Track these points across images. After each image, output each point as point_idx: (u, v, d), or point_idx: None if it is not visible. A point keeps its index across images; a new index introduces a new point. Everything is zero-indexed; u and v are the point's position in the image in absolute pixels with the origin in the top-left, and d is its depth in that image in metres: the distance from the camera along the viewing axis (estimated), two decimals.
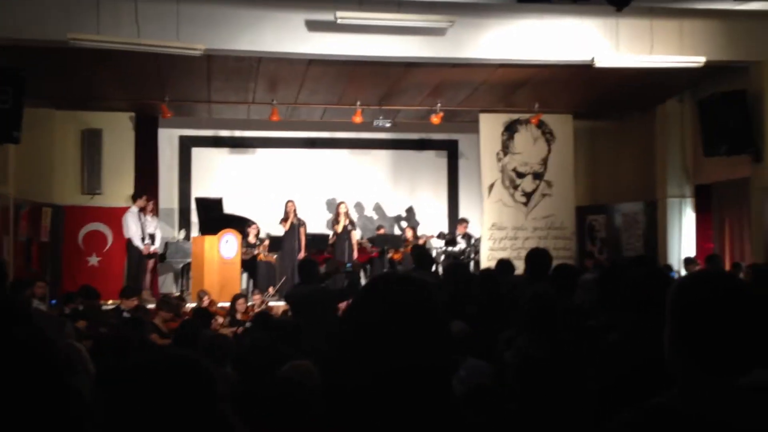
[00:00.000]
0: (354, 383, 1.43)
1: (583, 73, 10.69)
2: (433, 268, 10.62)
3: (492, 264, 11.76)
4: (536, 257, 6.03)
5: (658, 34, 9.92)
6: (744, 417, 1.57)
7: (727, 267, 11.20)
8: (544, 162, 13.36)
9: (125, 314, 8.68)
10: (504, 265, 7.48)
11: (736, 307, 1.64)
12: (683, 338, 1.66)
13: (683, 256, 12.24)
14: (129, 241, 12.00)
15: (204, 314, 8.07)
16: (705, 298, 1.66)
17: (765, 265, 9.45)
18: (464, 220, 13.91)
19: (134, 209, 12.08)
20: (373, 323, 1.45)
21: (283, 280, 12.29)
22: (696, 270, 10.81)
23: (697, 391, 1.60)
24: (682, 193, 12.96)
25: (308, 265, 7.61)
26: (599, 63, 9.82)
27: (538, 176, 13.33)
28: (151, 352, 2.42)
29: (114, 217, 12.57)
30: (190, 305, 10.27)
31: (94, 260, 12.93)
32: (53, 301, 11.24)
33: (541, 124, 13.26)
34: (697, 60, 9.96)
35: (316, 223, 14.31)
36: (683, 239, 12.91)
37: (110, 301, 10.53)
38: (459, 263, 7.64)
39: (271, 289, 12.30)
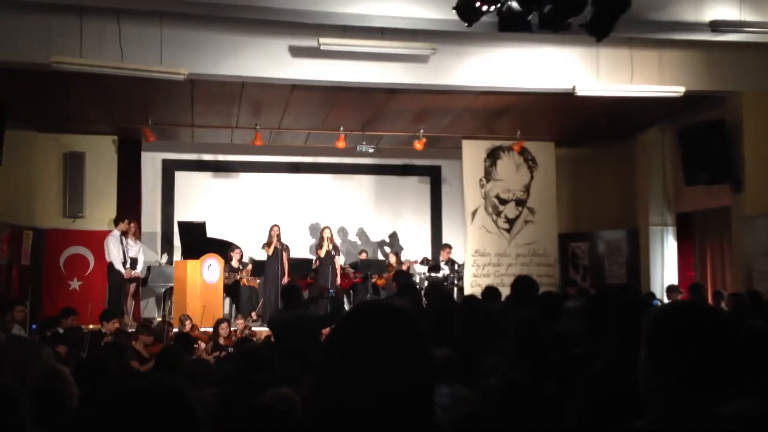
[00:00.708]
0: (336, 412, 1.42)
1: (564, 102, 10.81)
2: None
3: (475, 290, 11.82)
4: (522, 284, 6.06)
5: (637, 64, 10.07)
6: None
7: (709, 295, 11.29)
8: (527, 189, 13.45)
9: (107, 338, 8.60)
10: (490, 291, 7.49)
11: (713, 335, 1.70)
12: (661, 365, 1.69)
13: (665, 284, 12.32)
14: (110, 265, 11.90)
15: (186, 339, 8.02)
16: (684, 326, 1.71)
17: (746, 294, 9.55)
18: (447, 246, 13.94)
19: (116, 233, 12.01)
20: (356, 352, 1.45)
21: (261, 303, 12.24)
22: (674, 299, 10.90)
23: (675, 416, 1.63)
24: (663, 221, 13.07)
25: (292, 291, 7.58)
26: (580, 91, 9.93)
27: (520, 203, 13.40)
28: (135, 379, 2.40)
29: (96, 240, 12.48)
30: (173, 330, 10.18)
31: (75, 284, 12.82)
32: (34, 326, 11.11)
33: (523, 151, 13.36)
34: (676, 90, 10.10)
35: (300, 248, 14.28)
36: (665, 267, 13.00)
37: (91, 326, 10.42)
38: (441, 289, 7.63)
39: (253, 314, 12.22)
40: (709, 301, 10.86)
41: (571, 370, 4.01)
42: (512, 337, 4.37)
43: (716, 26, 8.40)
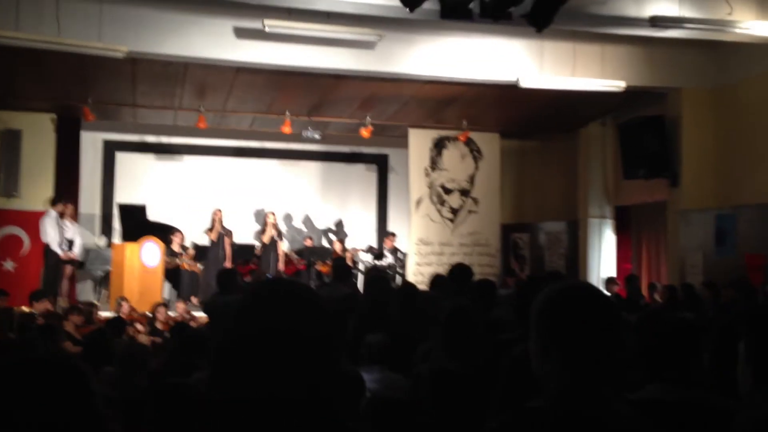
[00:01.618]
0: (229, 398, 1.37)
1: (509, 94, 10.90)
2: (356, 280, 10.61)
3: (417, 279, 11.88)
4: (458, 272, 6.11)
5: (580, 57, 10.21)
6: (615, 416, 1.65)
7: (644, 287, 11.55)
8: (471, 179, 13.55)
9: (39, 320, 8.40)
10: (439, 279, 7.51)
11: (601, 317, 1.72)
12: (547, 348, 1.72)
13: (603, 275, 12.56)
14: (46, 246, 11.61)
15: (117, 323, 7.86)
16: (573, 308, 1.73)
17: (680, 287, 9.79)
18: (392, 234, 13.96)
19: (53, 213, 11.71)
20: (251, 336, 1.37)
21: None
22: (611, 291, 11.13)
23: (568, 395, 1.65)
24: (602, 213, 13.31)
25: (227, 275, 7.50)
26: (524, 83, 10.02)
27: (464, 193, 13.50)
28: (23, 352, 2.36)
29: (31, 221, 12.14)
30: (107, 314, 10.00)
31: (9, 265, 12.47)
32: None
33: (468, 142, 13.45)
34: (617, 84, 10.27)
35: (244, 234, 14.14)
36: (603, 259, 13.24)
37: (24, 307, 10.16)
38: (379, 276, 7.64)
39: (194, 299, 12.08)
40: (644, 292, 11.12)
41: (499, 355, 4.06)
42: (443, 323, 4.39)
43: (656, 22, 8.55)
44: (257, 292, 1.45)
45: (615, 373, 1.70)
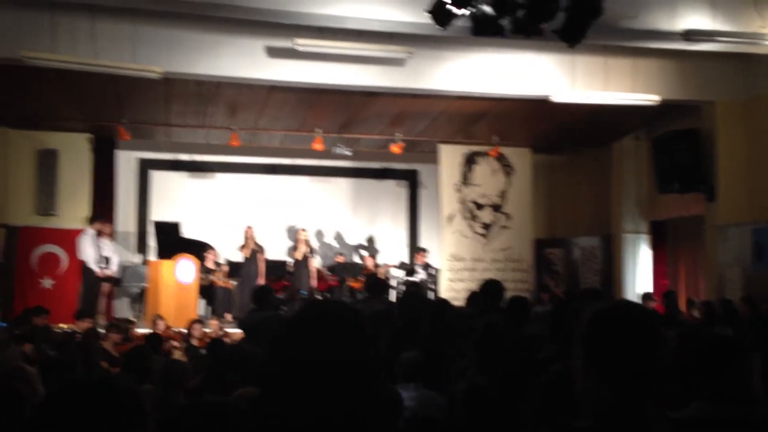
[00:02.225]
0: (277, 422, 1.38)
1: (540, 108, 10.86)
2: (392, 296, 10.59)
3: (450, 295, 11.83)
4: (489, 288, 6.08)
5: (612, 71, 10.14)
6: None
7: (681, 302, 11.37)
8: (503, 194, 13.50)
9: (77, 337, 8.51)
10: (475, 297, 7.47)
11: (644, 336, 1.73)
12: (593, 364, 1.70)
13: (639, 291, 12.39)
14: (84, 264, 11.78)
15: (155, 340, 7.95)
16: (613, 326, 1.74)
17: (718, 303, 9.63)
18: (423, 250, 13.93)
19: (90, 231, 11.89)
20: (300, 364, 1.39)
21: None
22: (605, 301, 10.96)
23: (612, 414, 1.64)
24: (637, 229, 13.16)
25: (263, 292, 7.54)
26: (555, 98, 9.98)
27: (496, 208, 13.45)
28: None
29: (69, 238, 12.35)
30: (142, 330, 10.10)
31: (47, 282, 12.68)
32: (3, 324, 10.97)
33: (499, 157, 13.41)
34: (650, 98, 10.18)
35: (276, 250, 14.21)
36: (639, 274, 13.08)
37: (62, 325, 10.32)
38: (412, 292, 7.63)
39: (228, 316, 12.17)
40: (683, 308, 10.95)
41: (534, 373, 4.03)
42: (477, 341, 4.37)
43: (689, 35, 8.48)
44: (305, 317, 1.46)
45: (656, 391, 1.69)
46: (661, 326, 1.79)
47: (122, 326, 8.09)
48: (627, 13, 8.07)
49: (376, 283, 7.36)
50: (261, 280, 12.38)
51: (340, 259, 14.30)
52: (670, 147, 11.20)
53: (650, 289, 12.49)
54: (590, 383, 1.71)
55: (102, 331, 9.26)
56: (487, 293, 6.05)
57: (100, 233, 12.03)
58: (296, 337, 1.43)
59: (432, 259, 13.76)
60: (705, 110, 11.10)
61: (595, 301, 4.53)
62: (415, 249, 14.86)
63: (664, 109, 10.92)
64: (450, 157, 13.32)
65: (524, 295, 9.96)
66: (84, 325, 8.91)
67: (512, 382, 4.15)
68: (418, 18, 7.78)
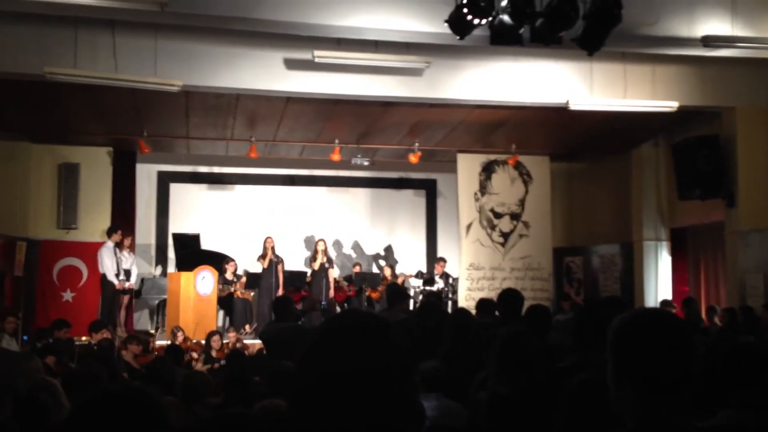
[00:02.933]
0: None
1: (559, 116, 10.83)
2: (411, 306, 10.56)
3: (469, 304, 11.79)
4: (507, 298, 6.05)
5: (631, 78, 10.10)
6: None
7: (703, 310, 11.28)
8: (522, 203, 13.46)
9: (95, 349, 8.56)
10: (484, 304, 7.46)
11: (673, 341, 1.71)
12: (625, 371, 1.70)
13: (659, 299, 12.31)
14: (103, 277, 11.88)
15: (176, 351, 7.98)
16: (645, 332, 1.73)
17: (739, 310, 9.55)
18: (442, 260, 13.93)
19: (109, 244, 11.99)
20: (330, 376, 1.38)
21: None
22: (635, 310, 10.90)
23: (647, 426, 1.63)
24: (657, 236, 13.07)
25: (283, 303, 7.54)
26: (574, 106, 9.95)
27: (515, 217, 13.41)
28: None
29: (90, 252, 12.44)
30: (162, 342, 10.16)
31: (68, 295, 12.77)
32: (25, 337, 11.06)
33: (518, 165, 13.38)
34: (669, 105, 10.13)
35: (294, 261, 14.26)
36: (659, 282, 12.99)
37: (83, 338, 10.38)
38: (432, 302, 7.59)
39: (247, 327, 12.21)
40: (703, 315, 10.86)
41: (557, 383, 4.00)
42: (498, 351, 4.35)
43: (708, 41, 8.43)
44: (334, 327, 1.45)
45: (688, 401, 1.68)
46: (693, 334, 1.78)
47: (142, 338, 8.13)
48: (646, 20, 8.05)
49: (397, 292, 7.35)
50: (280, 291, 12.41)
51: (358, 269, 14.31)
52: (691, 153, 11.12)
53: (670, 296, 12.40)
54: (623, 394, 1.70)
55: (120, 342, 9.33)
56: (505, 303, 6.01)
57: (120, 246, 12.12)
58: (326, 347, 1.42)
59: (451, 268, 13.74)
60: (725, 116, 11.02)
61: (618, 308, 4.51)
62: (433, 258, 14.86)
63: (683, 115, 10.86)
64: (468, 166, 13.31)
65: (544, 303, 9.94)
66: (99, 337, 8.95)
67: (535, 391, 4.13)
68: (436, 28, 7.79)
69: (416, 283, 14.12)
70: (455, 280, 13.43)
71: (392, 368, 1.39)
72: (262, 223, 14.36)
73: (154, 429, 1.54)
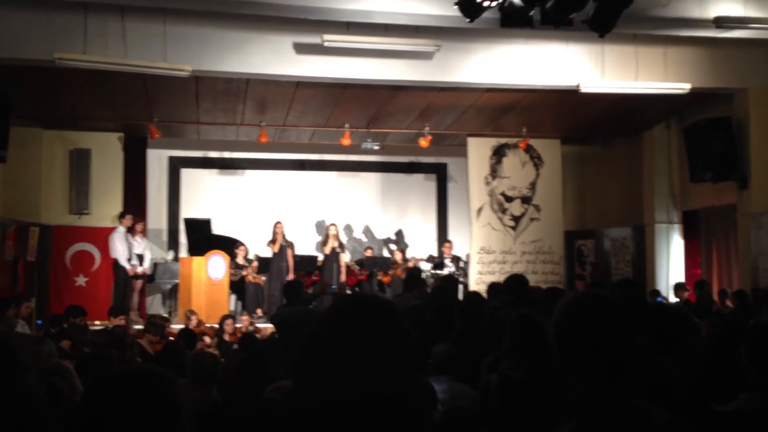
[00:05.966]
0: (314, 408, 1.40)
1: (569, 99, 10.78)
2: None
3: (480, 287, 11.80)
4: (513, 283, 6.09)
5: (642, 60, 10.03)
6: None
7: (715, 293, 11.25)
8: (533, 186, 13.43)
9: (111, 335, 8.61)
10: (495, 288, 7.48)
11: (607, 326, 1.70)
12: (568, 360, 1.71)
13: (672, 282, 12.28)
14: (115, 262, 11.95)
15: (189, 335, 8.03)
16: (580, 317, 1.72)
17: (750, 292, 9.51)
18: (447, 242, 13.94)
19: (121, 229, 12.06)
20: (337, 348, 1.42)
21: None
22: (681, 297, 10.87)
23: (591, 413, 1.64)
24: (669, 218, 13.02)
25: (294, 287, 7.57)
26: (585, 88, 9.89)
27: (526, 200, 13.38)
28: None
29: (102, 237, 12.52)
30: (176, 326, 10.22)
31: (81, 280, 12.86)
32: (39, 321, 11.17)
33: (529, 149, 13.34)
34: (681, 86, 10.06)
35: (305, 245, 14.30)
36: (671, 265, 12.95)
37: (97, 322, 10.47)
38: (443, 285, 7.62)
39: (259, 311, 12.27)
40: (715, 298, 10.83)
41: None
42: (510, 333, 4.36)
43: (721, 23, 8.36)
44: (340, 307, 1.49)
45: (638, 382, 1.66)
46: (626, 313, 1.75)
47: (159, 324, 8.17)
48: (657, 1, 7.98)
49: (414, 277, 7.40)
50: (291, 276, 12.46)
51: (369, 253, 14.33)
52: (703, 136, 11.05)
53: (682, 279, 12.37)
54: (569, 380, 1.69)
55: (137, 327, 9.38)
56: (511, 287, 6.04)
57: (132, 231, 12.19)
58: (332, 323, 1.46)
59: (460, 251, 13.73)
60: (737, 98, 10.93)
61: (631, 290, 4.51)
62: (443, 242, 14.87)
63: (696, 97, 10.78)
64: (479, 149, 13.28)
65: (557, 286, 9.93)
66: (118, 321, 9.03)
67: (546, 373, 4.14)
68: (446, 11, 7.75)
69: (427, 267, 14.14)
70: (466, 263, 13.43)
71: (399, 342, 1.43)
72: (273, 207, 14.39)
73: (168, 407, 1.56)
